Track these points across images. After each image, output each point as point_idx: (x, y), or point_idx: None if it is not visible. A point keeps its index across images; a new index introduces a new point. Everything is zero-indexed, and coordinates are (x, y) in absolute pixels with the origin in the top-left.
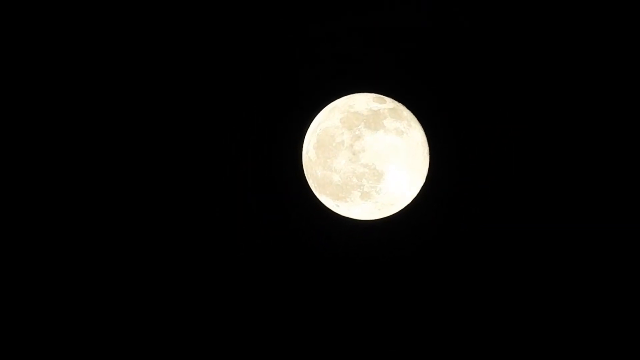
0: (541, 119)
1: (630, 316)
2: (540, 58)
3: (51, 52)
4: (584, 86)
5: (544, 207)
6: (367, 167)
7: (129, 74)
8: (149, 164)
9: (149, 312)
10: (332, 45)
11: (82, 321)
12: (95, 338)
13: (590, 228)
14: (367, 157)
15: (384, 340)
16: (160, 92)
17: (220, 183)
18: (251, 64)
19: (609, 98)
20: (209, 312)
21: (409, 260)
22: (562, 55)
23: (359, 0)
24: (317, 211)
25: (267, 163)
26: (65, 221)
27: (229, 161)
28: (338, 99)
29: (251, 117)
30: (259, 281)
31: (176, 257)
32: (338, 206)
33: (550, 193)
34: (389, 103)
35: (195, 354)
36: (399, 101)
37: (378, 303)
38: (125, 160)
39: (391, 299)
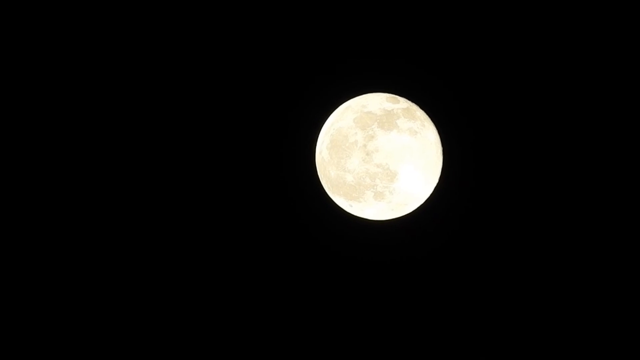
0: (555, 119)
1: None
2: (556, 58)
3: (52, 52)
4: (602, 85)
5: (559, 207)
6: (381, 167)
7: (145, 76)
8: (161, 169)
9: (168, 310)
10: (345, 45)
11: (84, 321)
12: (97, 338)
13: (604, 230)
14: (380, 157)
15: (397, 339)
16: (173, 94)
17: (234, 183)
18: (265, 64)
19: (628, 99)
20: (219, 311)
21: (422, 260)
22: (579, 55)
23: (372, 1)
24: (330, 211)
25: (280, 163)
26: (71, 222)
27: (242, 162)
28: (351, 99)
29: (264, 117)
30: (272, 281)
31: (185, 257)
32: (351, 206)
33: (565, 194)
34: (403, 103)
35: (209, 353)
36: (413, 101)
37: (392, 303)
38: (141, 160)
39: (405, 299)
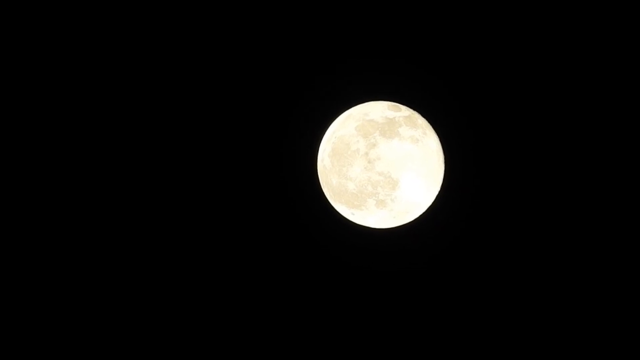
0: (558, 125)
1: None
2: (558, 66)
3: (54, 52)
4: (604, 90)
5: (562, 213)
6: (383, 175)
7: (145, 82)
8: (164, 179)
9: (166, 311)
10: (347, 53)
11: (84, 321)
12: (97, 338)
13: (610, 237)
14: (382, 165)
15: (400, 347)
16: (174, 103)
17: (235, 190)
18: (267, 71)
19: (631, 102)
20: (220, 318)
21: (424, 268)
22: (582, 59)
23: (374, 8)
24: (332, 219)
25: (282, 171)
26: (71, 223)
27: (244, 167)
28: (353, 107)
29: (266, 125)
30: (274, 288)
31: (189, 265)
32: (353, 214)
33: (568, 200)
34: (404, 111)
35: (206, 356)
36: (414, 109)
37: (395, 311)
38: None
39: (408, 307)
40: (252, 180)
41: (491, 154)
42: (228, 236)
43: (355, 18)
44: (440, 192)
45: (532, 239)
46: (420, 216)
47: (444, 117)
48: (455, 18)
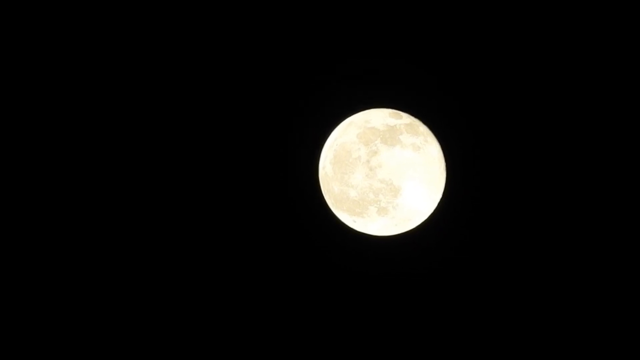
0: (560, 134)
1: None
2: (562, 70)
3: (55, 52)
4: (608, 96)
5: (565, 220)
6: (384, 183)
7: (145, 83)
8: (166, 188)
9: (162, 314)
10: (348, 60)
11: (84, 321)
12: (97, 338)
13: (616, 243)
14: (383, 172)
15: (400, 356)
16: (176, 110)
17: (236, 197)
18: (267, 78)
19: (632, 103)
20: (222, 327)
21: (426, 275)
22: (586, 67)
23: (376, 16)
24: (333, 227)
25: (283, 178)
26: (74, 223)
27: (245, 177)
28: (354, 114)
29: (268, 132)
30: (275, 296)
31: (193, 272)
32: (355, 222)
33: (571, 206)
34: (405, 118)
35: None
36: (416, 116)
37: (397, 318)
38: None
39: (409, 315)
40: (254, 187)
41: (493, 161)
42: (229, 243)
43: (360, 25)
44: (441, 199)
45: (535, 246)
46: (422, 224)
47: (445, 124)
48: (459, 26)
